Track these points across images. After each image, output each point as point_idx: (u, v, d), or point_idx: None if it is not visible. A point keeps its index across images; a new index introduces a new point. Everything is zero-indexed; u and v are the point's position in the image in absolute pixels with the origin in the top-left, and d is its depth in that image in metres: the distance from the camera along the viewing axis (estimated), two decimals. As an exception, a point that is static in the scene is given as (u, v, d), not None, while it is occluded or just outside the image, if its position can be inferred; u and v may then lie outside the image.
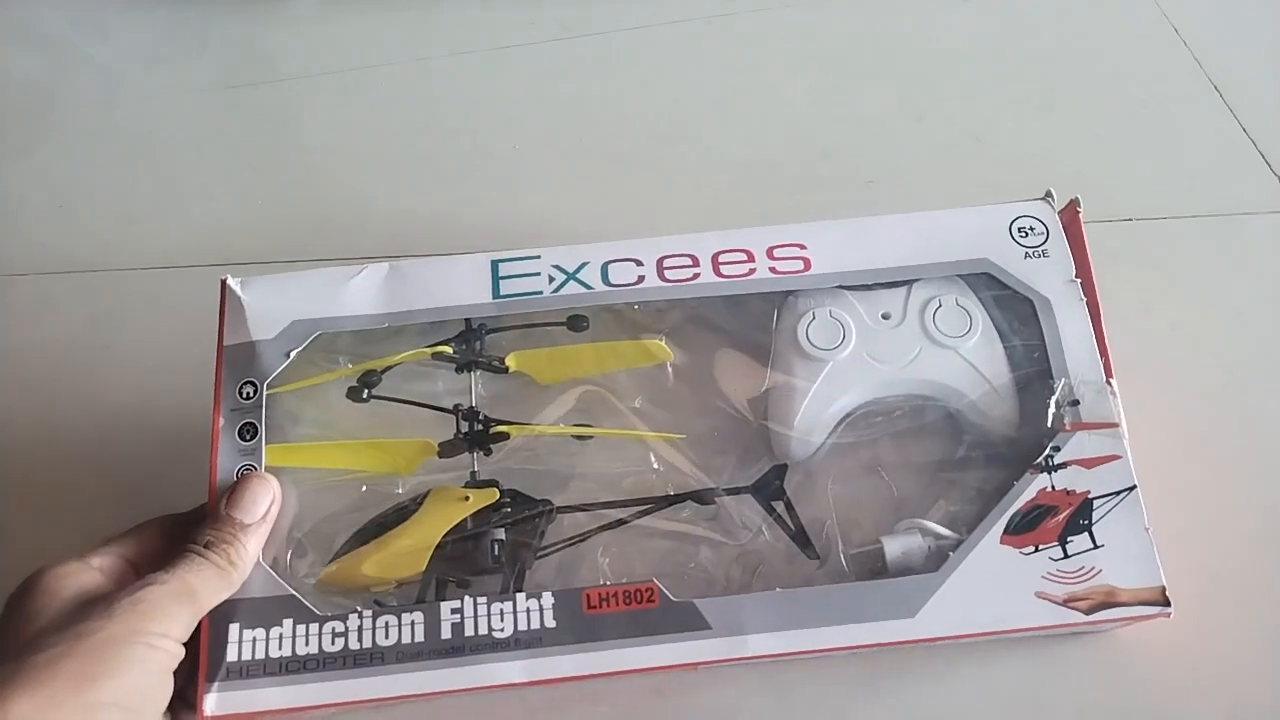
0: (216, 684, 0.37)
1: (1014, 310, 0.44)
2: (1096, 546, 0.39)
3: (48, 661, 0.32)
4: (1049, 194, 0.46)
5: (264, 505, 0.39)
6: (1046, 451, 0.41)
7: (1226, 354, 0.49)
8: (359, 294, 0.43)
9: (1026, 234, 0.45)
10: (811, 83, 0.66)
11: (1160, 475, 0.40)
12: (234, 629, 0.38)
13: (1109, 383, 0.42)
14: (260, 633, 0.38)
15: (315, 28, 0.69)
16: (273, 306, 0.43)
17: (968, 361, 0.43)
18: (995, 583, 0.39)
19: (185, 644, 0.36)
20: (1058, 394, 0.42)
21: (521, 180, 0.61)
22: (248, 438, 0.41)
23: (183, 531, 0.40)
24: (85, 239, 0.59)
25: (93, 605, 0.34)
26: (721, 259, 0.44)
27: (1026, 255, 0.44)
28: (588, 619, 0.38)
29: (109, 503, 0.38)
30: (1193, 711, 0.40)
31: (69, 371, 0.53)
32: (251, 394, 0.41)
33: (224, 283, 0.43)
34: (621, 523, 0.42)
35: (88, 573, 0.36)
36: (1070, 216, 0.45)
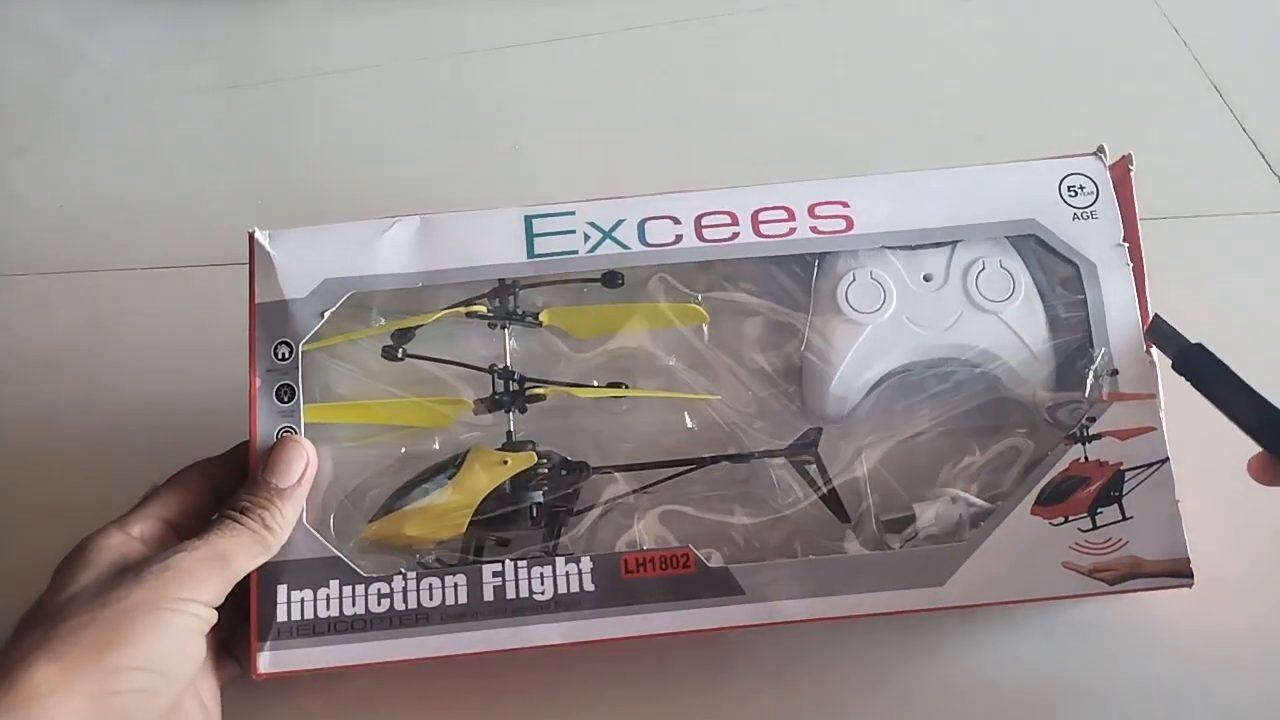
0: (268, 644, 0.38)
1: (1058, 272, 0.44)
2: (1125, 518, 0.40)
3: (70, 630, 0.33)
4: (1101, 149, 0.44)
5: (298, 469, 0.39)
6: (1082, 421, 0.41)
7: (1227, 354, 0.49)
8: (391, 250, 0.42)
9: (1076, 193, 0.43)
10: (812, 82, 0.65)
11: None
12: (282, 590, 0.39)
13: (1149, 353, 0.42)
14: (308, 594, 0.39)
15: (315, 28, 0.68)
16: (303, 262, 0.42)
17: (1008, 327, 0.43)
18: (1024, 553, 0.40)
19: (234, 604, 0.37)
20: (1097, 363, 0.42)
21: (522, 180, 0.60)
22: (285, 399, 0.41)
23: (222, 476, 0.41)
24: (85, 239, 0.59)
25: (124, 573, 0.35)
26: (761, 217, 0.43)
27: (1075, 217, 0.43)
28: (625, 583, 0.39)
29: (108, 504, 0.38)
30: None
31: (69, 372, 0.53)
32: (287, 355, 0.41)
33: (252, 236, 0.42)
34: (655, 484, 0.43)
35: (129, 543, 0.37)
36: (1121, 173, 0.44)
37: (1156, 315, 0.42)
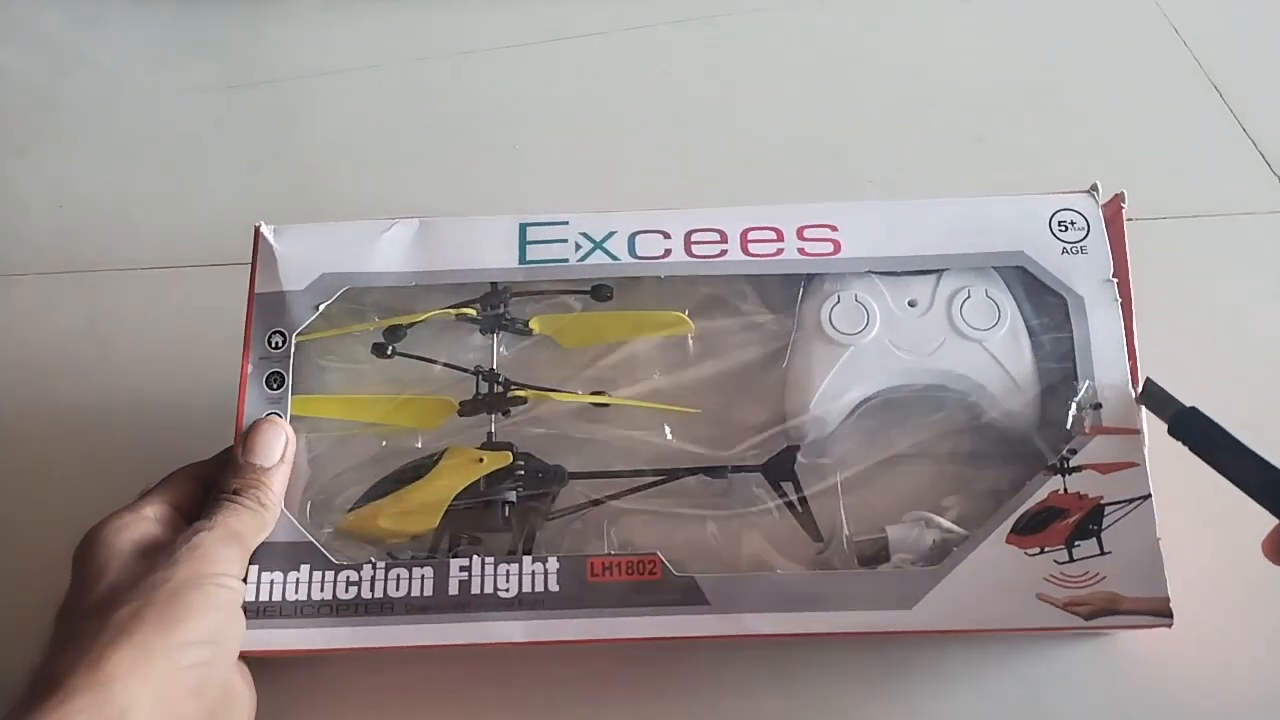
0: (236, 621, 0.39)
1: (1045, 305, 0.43)
2: (1104, 553, 0.39)
3: (132, 614, 0.34)
4: (1094, 187, 0.44)
5: (278, 448, 0.40)
6: (1063, 453, 0.40)
7: (1226, 354, 0.49)
8: (389, 250, 0.44)
9: (1066, 228, 0.44)
10: (811, 83, 0.66)
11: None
12: (254, 570, 0.40)
13: (1134, 389, 0.41)
14: (278, 576, 0.40)
15: (315, 28, 0.70)
16: (304, 257, 0.44)
17: (992, 355, 0.43)
18: (996, 581, 0.39)
19: None
20: (1080, 396, 0.41)
21: (522, 180, 0.61)
22: (275, 386, 0.42)
23: (211, 476, 0.41)
24: (85, 239, 0.60)
25: (155, 555, 0.36)
26: (750, 236, 0.44)
27: (1064, 251, 0.43)
28: (590, 586, 0.39)
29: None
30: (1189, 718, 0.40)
31: (68, 371, 0.54)
32: (280, 344, 0.43)
33: (258, 230, 0.44)
34: (630, 492, 0.43)
35: (143, 523, 0.38)
36: (1113, 211, 0.44)
37: (1149, 379, 0.41)
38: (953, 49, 0.67)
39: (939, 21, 0.68)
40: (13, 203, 0.62)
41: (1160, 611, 0.39)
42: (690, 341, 0.45)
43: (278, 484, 0.40)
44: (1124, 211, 0.43)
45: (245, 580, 0.39)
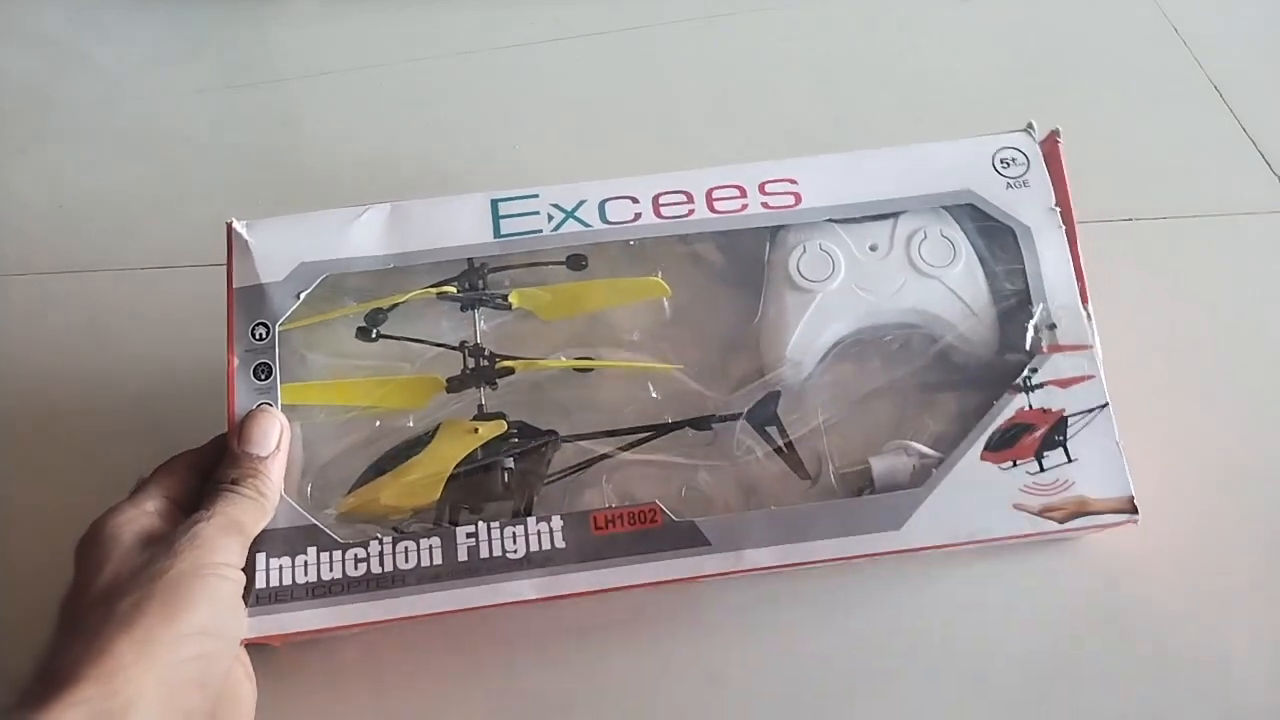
0: (248, 609, 0.39)
1: (996, 238, 0.46)
2: (1070, 460, 0.42)
3: (133, 605, 0.34)
4: (1030, 126, 0.47)
5: (274, 436, 0.41)
6: (1025, 373, 0.43)
7: (1226, 354, 0.50)
8: (363, 235, 0.45)
9: (1008, 165, 0.46)
10: (811, 83, 0.66)
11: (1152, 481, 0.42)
12: (261, 558, 0.40)
13: (1084, 306, 0.44)
14: (286, 560, 0.40)
15: (315, 28, 0.70)
16: (279, 249, 0.44)
17: (951, 290, 0.45)
18: (976, 496, 0.42)
19: None
20: (1036, 318, 0.44)
21: (522, 180, 0.60)
22: (262, 377, 0.42)
23: (206, 465, 0.42)
24: (85, 239, 0.59)
25: (156, 546, 0.37)
26: (716, 195, 0.46)
27: (1008, 185, 0.46)
28: (595, 539, 0.41)
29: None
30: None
31: (68, 371, 0.54)
32: (264, 335, 0.43)
33: (230, 225, 0.44)
34: (624, 449, 0.44)
35: (144, 517, 0.38)
36: (1050, 147, 0.47)
37: None
38: (953, 49, 0.67)
39: (939, 21, 0.69)
40: (13, 203, 0.61)
41: (1126, 509, 0.42)
42: (666, 303, 0.47)
43: (275, 472, 0.41)
44: (1060, 146, 0.46)
45: (247, 570, 0.39)
